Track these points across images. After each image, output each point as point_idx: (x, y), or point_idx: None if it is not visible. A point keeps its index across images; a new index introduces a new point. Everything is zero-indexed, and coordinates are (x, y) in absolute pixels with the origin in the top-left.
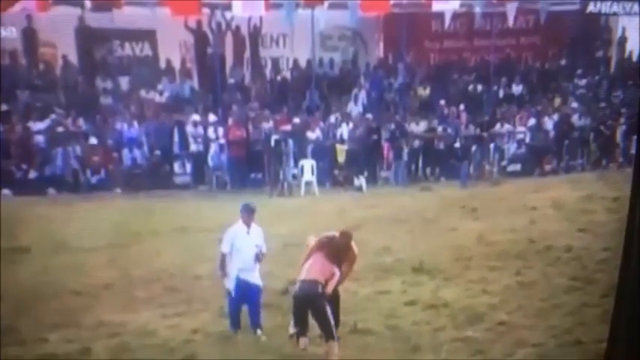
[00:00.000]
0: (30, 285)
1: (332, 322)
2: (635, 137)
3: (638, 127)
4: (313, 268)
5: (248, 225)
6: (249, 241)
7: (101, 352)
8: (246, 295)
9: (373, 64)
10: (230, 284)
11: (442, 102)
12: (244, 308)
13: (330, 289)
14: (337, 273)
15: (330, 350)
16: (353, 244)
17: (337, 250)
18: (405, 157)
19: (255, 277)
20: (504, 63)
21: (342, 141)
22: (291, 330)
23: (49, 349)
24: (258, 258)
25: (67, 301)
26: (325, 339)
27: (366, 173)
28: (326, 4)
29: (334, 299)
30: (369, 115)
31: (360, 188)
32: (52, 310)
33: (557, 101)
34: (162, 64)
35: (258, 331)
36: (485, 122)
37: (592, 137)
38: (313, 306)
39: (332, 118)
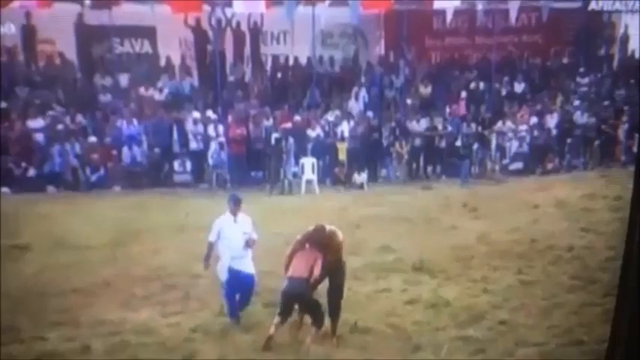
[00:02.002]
0: (29, 283)
1: (322, 312)
2: (637, 135)
3: (639, 126)
4: (298, 265)
5: (234, 214)
6: (236, 229)
7: (100, 351)
8: (239, 283)
9: (374, 61)
10: (222, 275)
11: (443, 101)
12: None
13: (316, 274)
14: (319, 259)
15: (313, 335)
16: (334, 231)
17: (318, 242)
18: (406, 155)
19: (247, 266)
20: (506, 61)
21: (342, 139)
22: (275, 320)
23: (48, 348)
24: (248, 244)
25: (66, 299)
26: (314, 326)
27: (367, 171)
28: (327, 1)
29: (336, 295)
30: (370, 113)
31: (361, 186)
32: (52, 308)
33: (560, 99)
34: (162, 62)
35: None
36: (487, 120)
37: (594, 135)
38: (301, 301)
39: (332, 116)
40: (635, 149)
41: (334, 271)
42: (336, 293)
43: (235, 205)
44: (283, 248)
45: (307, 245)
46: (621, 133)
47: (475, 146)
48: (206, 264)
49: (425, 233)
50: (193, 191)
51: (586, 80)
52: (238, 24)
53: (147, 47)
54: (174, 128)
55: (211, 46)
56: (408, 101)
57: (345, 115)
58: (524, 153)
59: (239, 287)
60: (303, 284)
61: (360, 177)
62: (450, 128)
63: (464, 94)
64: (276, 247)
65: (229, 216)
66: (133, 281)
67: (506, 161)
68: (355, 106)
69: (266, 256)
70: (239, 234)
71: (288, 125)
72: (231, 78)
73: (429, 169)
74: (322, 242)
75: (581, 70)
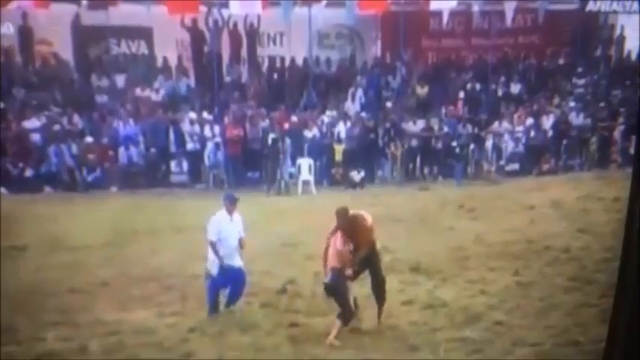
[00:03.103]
0: (27, 283)
1: (350, 307)
2: (634, 137)
3: (638, 126)
4: (330, 256)
5: (231, 213)
6: (233, 228)
7: (98, 351)
8: (231, 278)
9: (371, 62)
10: (214, 270)
11: (440, 101)
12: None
13: (349, 269)
14: (347, 249)
15: (334, 326)
16: (360, 214)
17: (346, 229)
18: (400, 156)
19: (238, 261)
20: (502, 62)
21: (339, 140)
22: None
23: (46, 348)
24: (241, 244)
25: (63, 299)
26: (339, 320)
27: (363, 172)
28: (323, 2)
29: (378, 282)
30: (367, 114)
31: (360, 183)
32: (49, 309)
33: (556, 100)
34: (159, 62)
35: (232, 307)
36: (483, 121)
37: (591, 136)
38: (334, 290)
39: (329, 117)
40: (631, 150)
41: (369, 260)
42: (377, 280)
43: (232, 204)
44: (280, 249)
45: (338, 237)
46: (617, 134)
47: (471, 147)
48: (219, 259)
49: (422, 234)
50: (190, 192)
51: (582, 81)
52: (235, 25)
53: (143, 48)
54: (171, 129)
55: (208, 46)
56: (395, 103)
57: (341, 115)
58: (521, 154)
59: (230, 281)
60: (336, 273)
61: (359, 175)
62: (446, 129)
63: (462, 94)
64: (273, 247)
65: (225, 215)
66: (131, 282)
67: (502, 162)
68: (352, 107)
69: (263, 256)
70: (235, 233)
71: (286, 125)
72: (227, 79)
73: (426, 169)
74: (349, 227)
75: (578, 71)
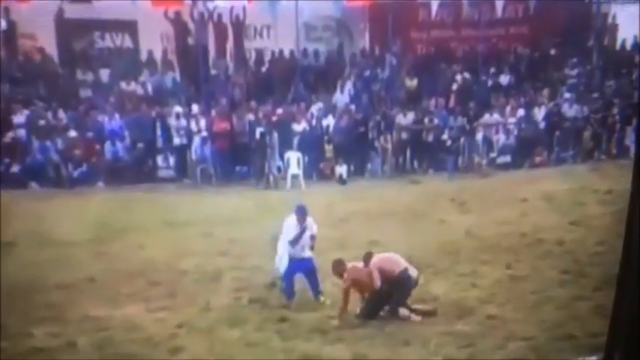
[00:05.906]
0: (15, 279)
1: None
2: (628, 128)
3: (638, 124)
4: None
5: (301, 223)
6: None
7: (86, 347)
8: (300, 267)
9: (359, 54)
10: (282, 266)
11: (430, 93)
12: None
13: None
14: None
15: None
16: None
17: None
18: (389, 148)
19: (306, 253)
20: (493, 53)
21: (329, 140)
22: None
23: (34, 344)
24: (312, 244)
25: (52, 295)
26: None
27: (350, 164)
28: None
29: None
30: (356, 107)
31: (341, 177)
32: (37, 305)
33: (548, 91)
34: (144, 56)
35: (321, 298)
36: (473, 113)
37: (584, 128)
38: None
39: (317, 110)
40: (626, 142)
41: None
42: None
43: (303, 215)
44: (269, 243)
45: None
46: (611, 125)
47: (462, 140)
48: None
49: (413, 228)
50: (178, 186)
51: (575, 72)
52: (220, 17)
53: (128, 41)
54: (157, 123)
55: (193, 39)
56: (384, 96)
57: (330, 109)
58: (512, 146)
59: (300, 269)
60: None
61: (341, 168)
62: (436, 121)
63: (454, 86)
64: (262, 242)
65: (295, 223)
66: (119, 277)
67: (494, 154)
68: (341, 99)
69: (252, 251)
70: (304, 237)
71: (274, 119)
72: (213, 72)
73: (416, 163)
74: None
75: (571, 61)
